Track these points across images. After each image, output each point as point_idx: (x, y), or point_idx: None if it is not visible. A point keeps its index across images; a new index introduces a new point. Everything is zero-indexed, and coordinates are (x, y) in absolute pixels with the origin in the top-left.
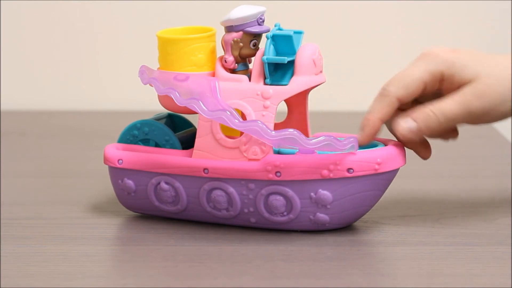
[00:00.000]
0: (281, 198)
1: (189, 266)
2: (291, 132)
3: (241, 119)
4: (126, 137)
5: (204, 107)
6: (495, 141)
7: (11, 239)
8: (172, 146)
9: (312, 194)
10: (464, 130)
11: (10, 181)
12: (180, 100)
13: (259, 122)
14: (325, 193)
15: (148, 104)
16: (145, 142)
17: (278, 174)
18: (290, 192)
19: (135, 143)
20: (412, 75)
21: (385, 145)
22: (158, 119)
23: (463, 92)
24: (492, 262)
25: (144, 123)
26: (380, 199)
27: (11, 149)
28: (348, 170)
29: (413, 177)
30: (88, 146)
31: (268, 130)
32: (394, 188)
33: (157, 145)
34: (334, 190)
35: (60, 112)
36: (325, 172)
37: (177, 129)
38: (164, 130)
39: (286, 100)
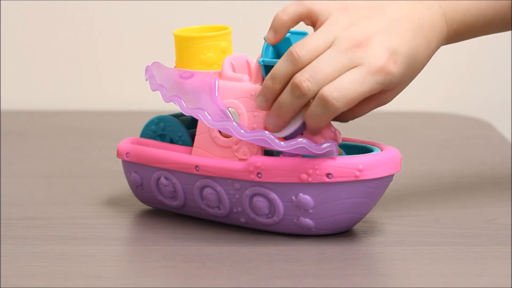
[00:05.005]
0: (264, 199)
1: (189, 266)
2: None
3: (247, 129)
4: (146, 131)
5: (209, 117)
6: (495, 141)
7: (11, 239)
8: (184, 143)
9: (293, 197)
10: (464, 129)
11: (10, 181)
12: (185, 109)
13: (266, 132)
14: (305, 197)
15: (148, 104)
16: (162, 137)
17: (260, 175)
18: (272, 194)
19: (154, 138)
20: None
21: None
22: (179, 115)
23: None
24: (492, 262)
25: (161, 119)
26: (380, 199)
27: (11, 149)
28: (327, 175)
29: (413, 177)
30: (88, 146)
31: (276, 140)
32: (394, 188)
33: (172, 140)
34: (315, 195)
35: (60, 112)
36: (303, 176)
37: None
38: (178, 126)
39: None
